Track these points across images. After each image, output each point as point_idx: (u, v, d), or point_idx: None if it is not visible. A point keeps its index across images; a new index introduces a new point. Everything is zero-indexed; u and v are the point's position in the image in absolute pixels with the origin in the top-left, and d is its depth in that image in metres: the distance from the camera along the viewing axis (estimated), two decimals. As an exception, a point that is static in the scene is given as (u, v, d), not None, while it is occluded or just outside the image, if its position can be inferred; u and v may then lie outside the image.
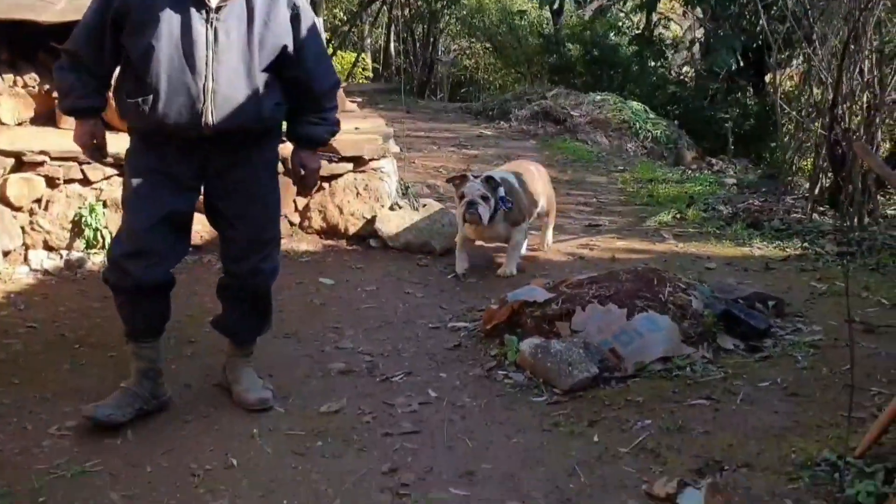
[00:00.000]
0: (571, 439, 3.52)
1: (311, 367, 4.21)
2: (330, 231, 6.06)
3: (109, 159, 3.98)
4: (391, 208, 6.11)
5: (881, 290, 5.30)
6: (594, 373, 3.95)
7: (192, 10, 3.22)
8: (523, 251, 5.74)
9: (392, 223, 5.98)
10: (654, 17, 15.02)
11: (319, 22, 3.93)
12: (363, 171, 6.11)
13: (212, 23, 3.24)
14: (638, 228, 6.75)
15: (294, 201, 6.00)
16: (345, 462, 3.35)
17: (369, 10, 18.68)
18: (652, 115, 11.59)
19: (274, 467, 3.29)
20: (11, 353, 4.24)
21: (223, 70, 3.27)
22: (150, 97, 3.26)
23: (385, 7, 18.20)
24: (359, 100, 10.04)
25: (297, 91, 3.50)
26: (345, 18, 19.01)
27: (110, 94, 3.51)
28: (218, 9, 3.24)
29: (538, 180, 5.87)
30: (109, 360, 4.17)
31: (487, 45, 17.12)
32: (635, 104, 11.77)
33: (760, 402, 3.75)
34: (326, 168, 5.97)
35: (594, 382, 3.95)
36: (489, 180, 5.31)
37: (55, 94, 4.49)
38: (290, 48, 3.39)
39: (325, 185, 6.03)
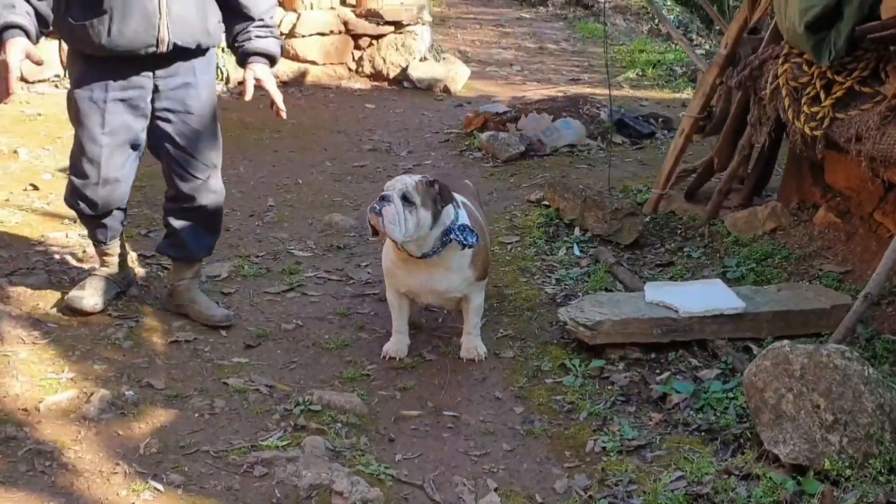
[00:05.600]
0: (498, 181, 5.94)
1: (351, 147, 6.70)
2: (376, 75, 8.48)
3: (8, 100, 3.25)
4: (421, 60, 8.48)
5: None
6: (522, 150, 6.34)
7: None
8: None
9: (420, 70, 8.37)
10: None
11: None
12: (401, 33, 8.46)
13: None
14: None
15: (351, 53, 8.43)
16: (364, 186, 5.84)
17: None
18: (669, 3, 13.51)
19: (323, 185, 5.82)
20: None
21: None
22: (105, 17, 3.28)
23: None
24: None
25: (236, 12, 3.55)
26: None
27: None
28: None
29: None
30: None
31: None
32: (654, -9, 13.72)
33: (620, 167, 6.09)
34: (375, 29, 8.37)
35: (522, 156, 6.33)
36: (432, 185, 3.46)
37: None
38: None
39: (374, 42, 8.42)
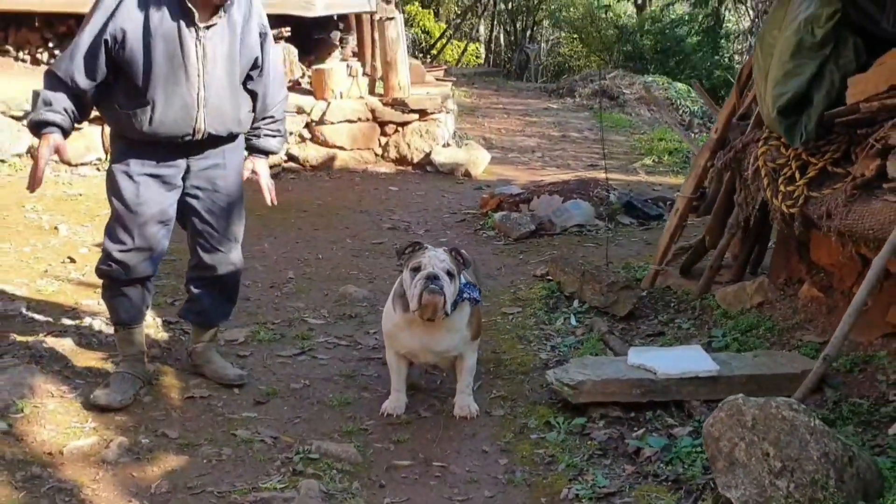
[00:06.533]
0: (508, 258, 6.26)
1: (371, 226, 7.08)
2: (401, 160, 8.94)
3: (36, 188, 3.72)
4: (444, 146, 8.92)
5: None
6: (532, 229, 6.66)
7: (184, 29, 3.60)
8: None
9: (443, 155, 8.81)
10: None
11: (279, 48, 4.59)
12: (426, 121, 8.94)
13: (200, 39, 3.62)
14: (625, 168, 9.33)
15: (378, 139, 8.90)
16: (380, 261, 6.18)
17: (481, 3, 21.55)
18: (693, 94, 13.93)
19: (342, 259, 6.17)
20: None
21: (212, 81, 3.69)
22: (148, 107, 3.63)
23: (492, 1, 21.02)
24: (453, 78, 12.84)
25: (256, 103, 3.94)
26: (458, 12, 21.97)
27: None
28: (208, 27, 3.64)
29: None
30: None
31: (574, 35, 19.74)
32: (680, 85, 14.17)
33: (625, 246, 6.39)
34: (401, 117, 8.84)
35: (532, 235, 6.66)
36: (456, 253, 3.82)
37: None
38: (259, 60, 3.85)
39: (400, 128, 8.90)
